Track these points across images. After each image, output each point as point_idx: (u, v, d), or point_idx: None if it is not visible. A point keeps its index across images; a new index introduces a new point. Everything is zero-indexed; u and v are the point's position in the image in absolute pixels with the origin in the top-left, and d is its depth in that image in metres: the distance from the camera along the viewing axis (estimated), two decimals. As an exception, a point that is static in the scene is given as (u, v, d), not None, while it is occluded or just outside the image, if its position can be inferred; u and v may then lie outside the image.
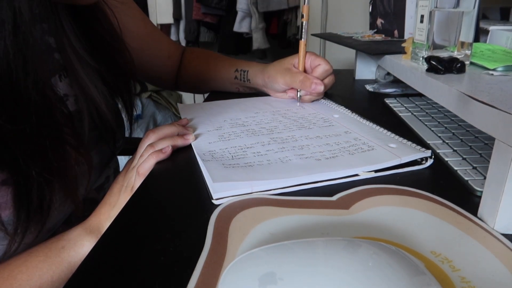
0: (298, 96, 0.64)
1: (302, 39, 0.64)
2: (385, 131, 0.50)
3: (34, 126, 0.34)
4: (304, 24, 0.64)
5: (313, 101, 0.66)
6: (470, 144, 0.45)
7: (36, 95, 0.34)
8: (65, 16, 0.45)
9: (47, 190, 0.37)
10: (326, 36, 1.01)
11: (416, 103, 0.64)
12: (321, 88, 0.61)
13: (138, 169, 0.43)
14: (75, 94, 0.46)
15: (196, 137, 0.50)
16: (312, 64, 0.64)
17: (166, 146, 0.45)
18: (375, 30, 0.97)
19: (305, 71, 0.65)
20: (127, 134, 0.58)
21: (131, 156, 0.49)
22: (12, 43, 0.31)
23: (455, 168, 0.40)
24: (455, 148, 0.45)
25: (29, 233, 0.37)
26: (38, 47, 0.33)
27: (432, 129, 0.51)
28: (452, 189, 0.36)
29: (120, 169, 0.49)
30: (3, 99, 0.32)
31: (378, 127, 0.52)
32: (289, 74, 0.64)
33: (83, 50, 0.47)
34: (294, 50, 0.65)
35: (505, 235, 0.29)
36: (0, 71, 0.31)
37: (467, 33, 0.47)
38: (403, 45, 0.60)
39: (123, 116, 0.57)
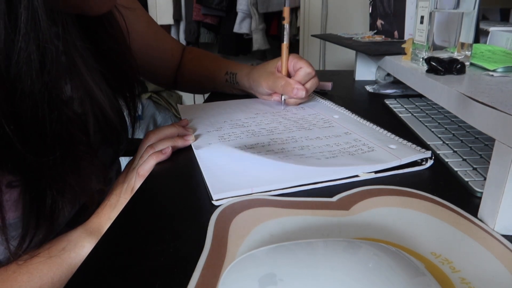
0: (283, 100, 0.64)
1: (284, 42, 0.63)
2: (385, 132, 0.50)
3: (57, 136, 0.34)
4: (285, 26, 0.62)
5: (299, 104, 0.65)
6: (470, 145, 0.45)
7: (49, 101, 0.33)
8: (72, 19, 0.45)
9: (59, 199, 0.37)
10: (326, 37, 1.01)
11: (416, 104, 0.64)
12: (302, 93, 0.60)
13: (138, 170, 0.43)
14: (80, 96, 0.46)
15: (196, 138, 0.50)
16: (295, 66, 0.63)
17: (166, 147, 0.45)
18: (375, 31, 0.97)
19: (288, 73, 0.64)
20: (129, 135, 0.58)
21: (131, 157, 0.49)
22: (33, 52, 0.30)
23: (455, 169, 0.40)
24: (455, 149, 0.45)
25: (37, 240, 0.37)
26: (57, 56, 0.33)
27: (432, 130, 0.51)
28: (452, 190, 0.36)
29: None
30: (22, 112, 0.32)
31: (378, 128, 0.52)
32: (272, 78, 0.63)
33: (88, 53, 0.47)
34: (294, 51, 0.65)
35: (506, 236, 0.29)
36: (18, 74, 0.31)
37: (467, 34, 0.47)
38: (403, 46, 0.60)
39: (126, 117, 0.57)
